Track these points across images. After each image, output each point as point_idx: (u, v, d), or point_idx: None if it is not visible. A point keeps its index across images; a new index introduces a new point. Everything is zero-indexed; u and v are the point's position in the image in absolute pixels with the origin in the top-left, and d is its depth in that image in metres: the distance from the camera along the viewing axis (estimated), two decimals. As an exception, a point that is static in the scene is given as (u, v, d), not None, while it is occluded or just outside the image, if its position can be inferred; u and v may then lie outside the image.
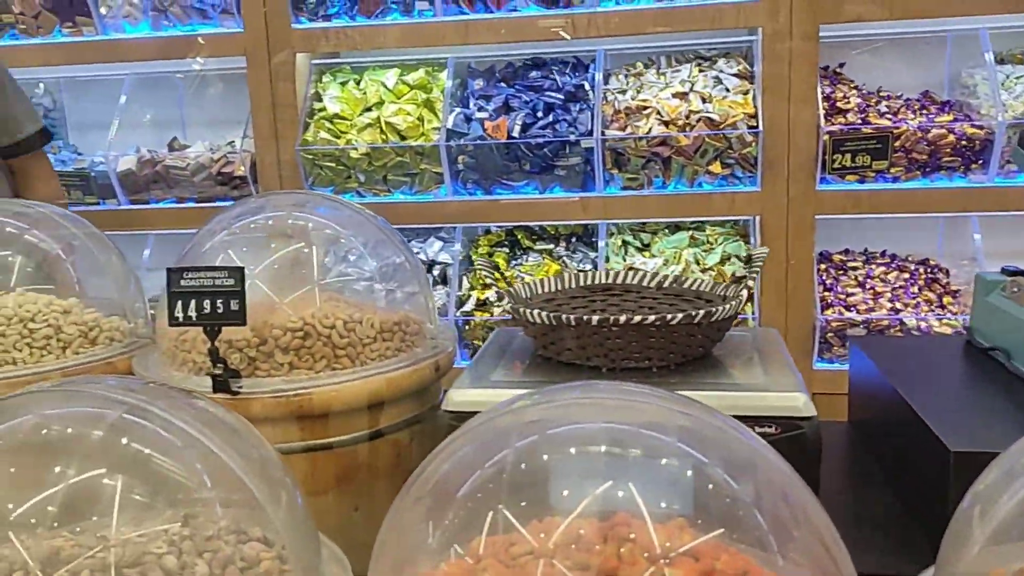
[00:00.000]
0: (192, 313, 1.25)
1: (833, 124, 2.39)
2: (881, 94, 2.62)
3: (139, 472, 0.95)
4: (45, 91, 3.08)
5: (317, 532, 1.03)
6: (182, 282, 1.25)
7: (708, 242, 2.63)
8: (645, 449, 0.85)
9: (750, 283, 1.35)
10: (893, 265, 2.68)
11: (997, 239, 2.51)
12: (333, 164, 2.59)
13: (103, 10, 2.69)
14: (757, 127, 2.38)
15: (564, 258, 2.67)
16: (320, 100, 2.67)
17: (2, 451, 0.92)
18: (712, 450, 0.84)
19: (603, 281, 1.59)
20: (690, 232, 2.65)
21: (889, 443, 1.43)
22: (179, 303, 1.25)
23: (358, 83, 2.69)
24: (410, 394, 1.45)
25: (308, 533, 1.00)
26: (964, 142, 2.35)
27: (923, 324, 2.46)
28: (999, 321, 1.50)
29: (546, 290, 1.57)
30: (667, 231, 2.68)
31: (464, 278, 2.66)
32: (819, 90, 2.40)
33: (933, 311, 2.53)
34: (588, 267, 2.64)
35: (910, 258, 2.75)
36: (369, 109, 2.62)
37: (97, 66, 2.85)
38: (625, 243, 2.66)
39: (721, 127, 2.39)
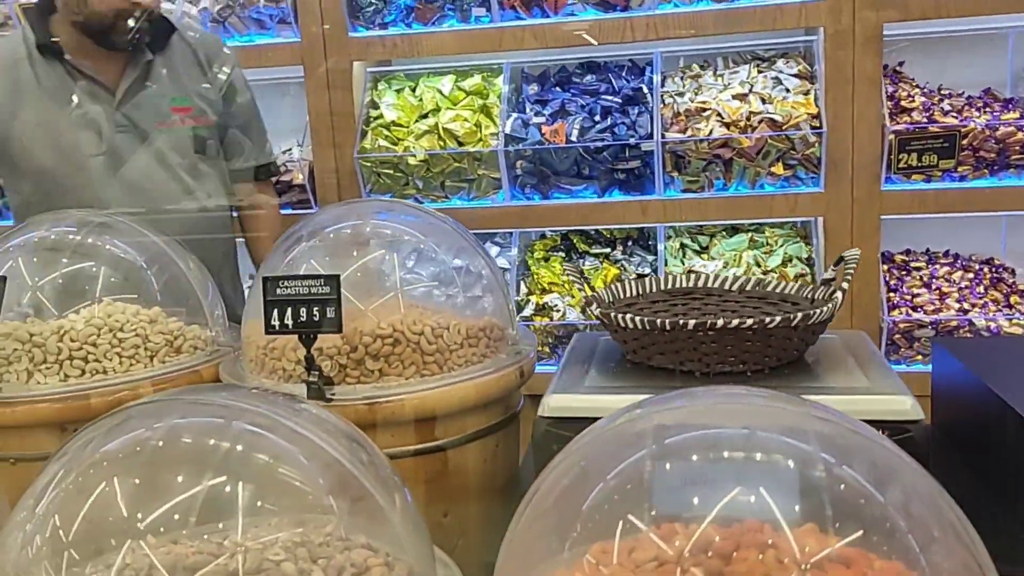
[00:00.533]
0: (288, 321, 1.26)
1: (898, 123, 2.36)
2: (943, 92, 2.58)
3: (260, 479, 0.95)
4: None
5: (429, 536, 1.03)
6: (278, 290, 1.26)
7: (768, 244, 2.60)
8: (777, 452, 0.84)
9: (844, 285, 1.33)
10: (957, 265, 2.64)
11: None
12: (391, 171, 2.60)
13: (163, 22, 2.72)
14: (821, 127, 2.35)
15: (622, 262, 2.66)
16: (376, 108, 2.68)
17: (128, 459, 0.93)
18: (848, 454, 0.83)
19: (684, 285, 1.58)
20: (749, 234, 2.63)
21: (986, 448, 1.41)
22: (275, 311, 1.26)
23: (413, 90, 2.70)
24: (495, 400, 1.45)
25: (423, 537, 1.00)
26: (1033, 139, 2.31)
27: (992, 325, 2.42)
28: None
29: (628, 295, 1.56)
30: (725, 233, 2.66)
31: (522, 283, 2.66)
32: (883, 89, 2.37)
33: (1001, 311, 2.48)
34: (647, 271, 2.62)
35: (974, 257, 2.70)
36: (425, 116, 2.63)
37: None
38: (683, 246, 2.64)
39: (784, 128, 2.37)
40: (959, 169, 2.36)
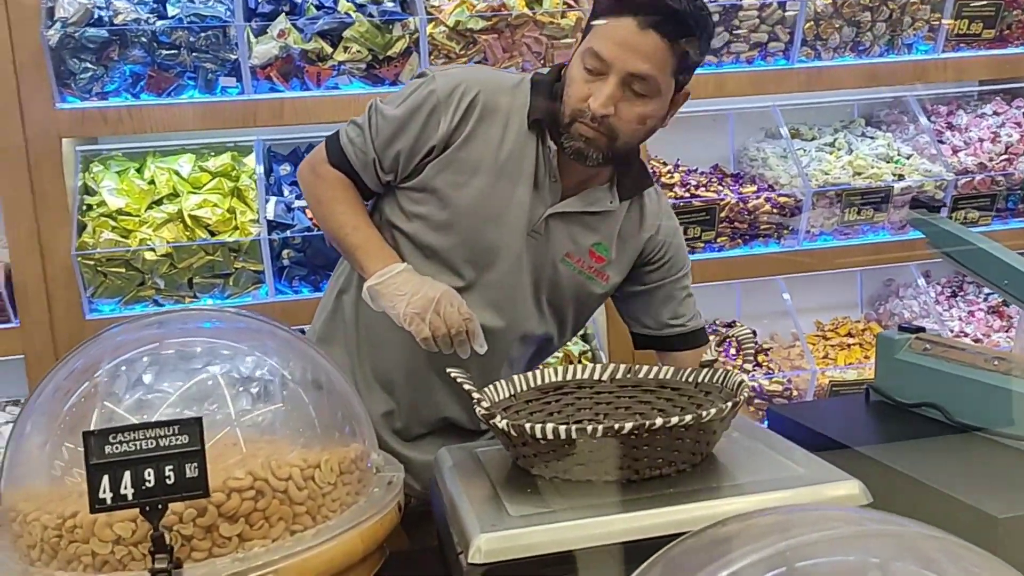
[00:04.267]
0: (127, 490, 0.89)
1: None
2: (682, 169, 2.75)
3: None
4: None
5: None
6: (107, 448, 0.89)
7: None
8: None
9: (746, 366, 1.27)
10: (708, 330, 2.78)
11: (803, 296, 2.73)
12: (122, 269, 2.15)
13: None
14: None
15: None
16: (94, 194, 2.22)
17: None
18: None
19: (554, 379, 1.42)
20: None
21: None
22: (105, 478, 0.88)
23: (139, 171, 2.28)
24: (379, 545, 1.17)
25: None
26: (776, 210, 2.51)
27: (755, 385, 2.56)
28: (924, 378, 1.56)
29: (501, 396, 1.36)
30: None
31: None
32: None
33: (754, 370, 2.65)
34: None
35: (718, 321, 2.88)
36: (160, 202, 2.22)
37: None
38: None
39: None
40: (718, 240, 2.50)
